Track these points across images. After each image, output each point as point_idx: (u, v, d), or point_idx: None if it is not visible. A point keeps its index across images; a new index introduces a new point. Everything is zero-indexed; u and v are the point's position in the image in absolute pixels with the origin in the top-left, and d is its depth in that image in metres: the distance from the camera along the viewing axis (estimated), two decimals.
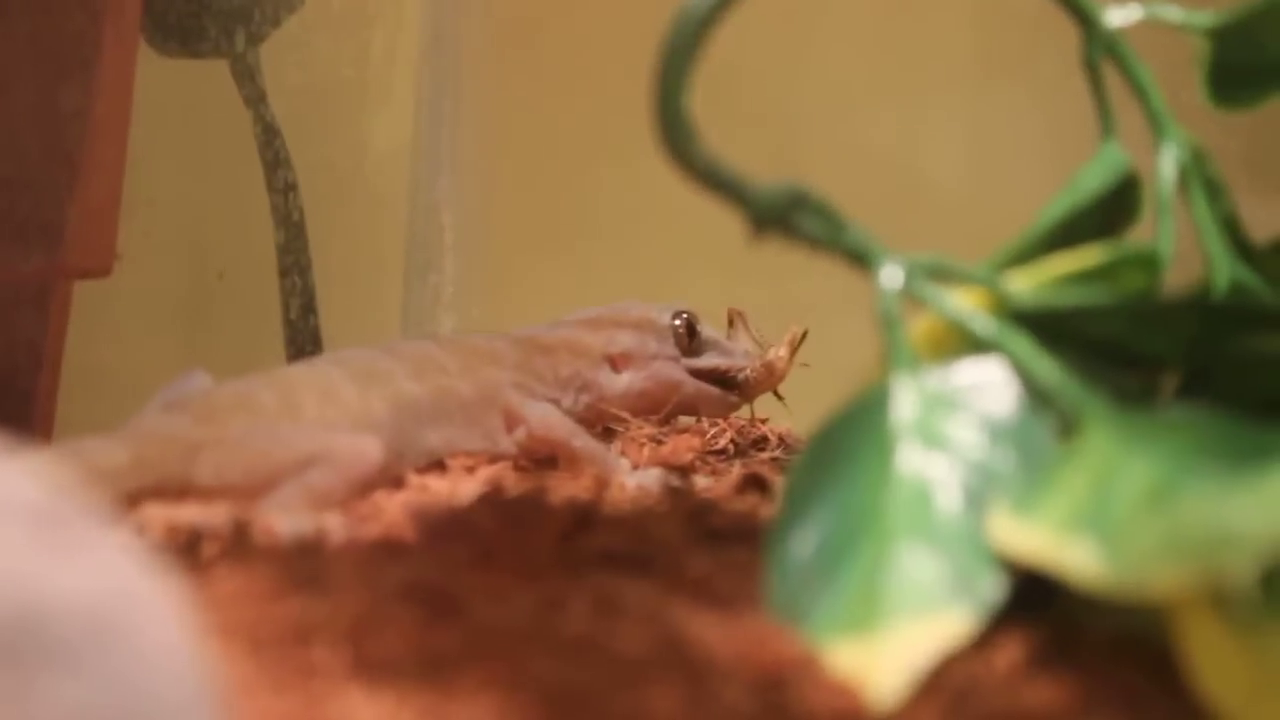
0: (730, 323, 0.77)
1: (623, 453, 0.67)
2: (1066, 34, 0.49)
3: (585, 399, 0.70)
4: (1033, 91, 0.96)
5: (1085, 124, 0.49)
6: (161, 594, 0.27)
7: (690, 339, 0.72)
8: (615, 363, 0.71)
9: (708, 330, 0.73)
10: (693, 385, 0.72)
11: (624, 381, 0.71)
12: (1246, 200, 0.50)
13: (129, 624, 0.26)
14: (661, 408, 0.72)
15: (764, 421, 0.80)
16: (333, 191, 1.00)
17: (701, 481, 0.63)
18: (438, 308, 1.03)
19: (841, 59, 1.02)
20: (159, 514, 0.51)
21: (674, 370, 0.71)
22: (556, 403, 0.68)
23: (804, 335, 0.74)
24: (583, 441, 0.65)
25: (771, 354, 0.74)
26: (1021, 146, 0.97)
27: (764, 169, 0.43)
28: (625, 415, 0.70)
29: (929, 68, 1.01)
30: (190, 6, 0.92)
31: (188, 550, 0.48)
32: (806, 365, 0.76)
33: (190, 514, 0.51)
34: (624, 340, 0.71)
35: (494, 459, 0.65)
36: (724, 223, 0.44)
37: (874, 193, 0.96)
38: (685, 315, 0.72)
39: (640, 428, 0.71)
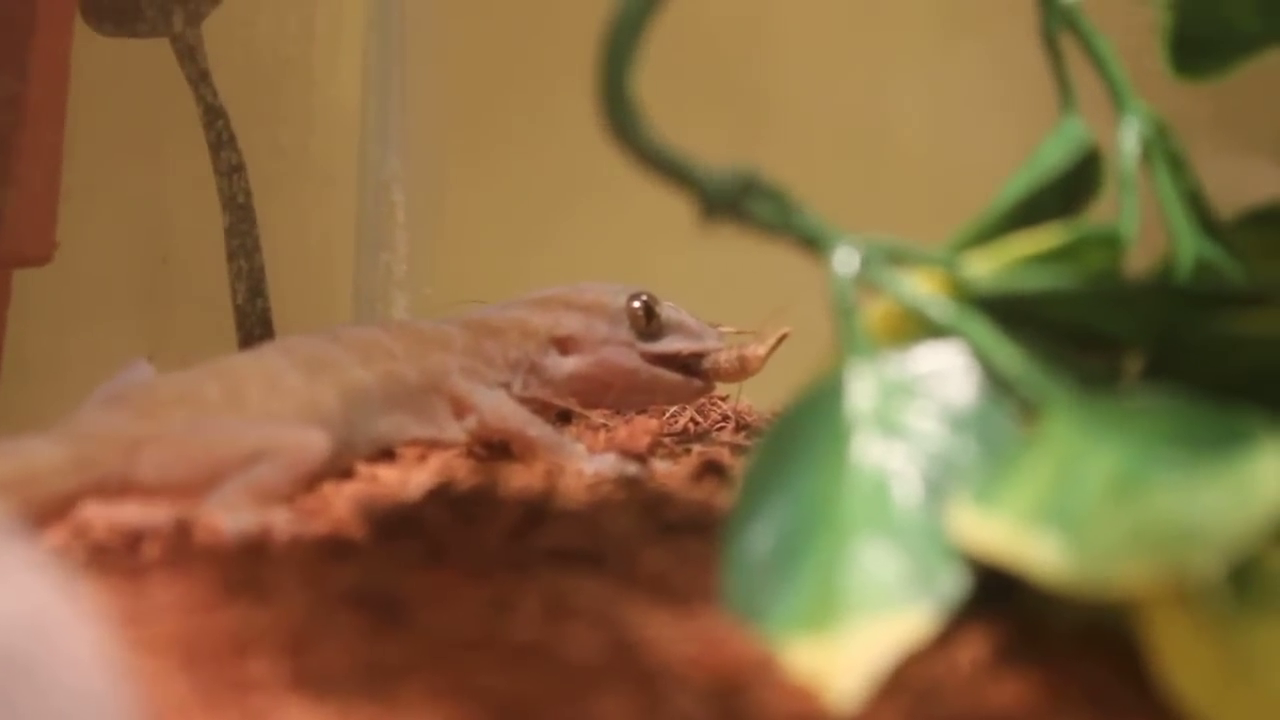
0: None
1: (578, 438, 0.66)
2: None
3: (533, 382, 0.67)
4: (996, 50, 0.95)
5: (1049, 84, 0.48)
6: (78, 621, 0.26)
7: (649, 321, 0.69)
8: (562, 346, 0.68)
9: (670, 312, 0.70)
10: (647, 372, 0.68)
11: (569, 366, 0.68)
12: (1216, 161, 0.49)
13: (42, 658, 0.24)
14: (610, 394, 0.69)
15: (723, 399, 0.79)
16: (280, 172, 0.98)
17: (659, 466, 0.61)
18: (390, 287, 1.01)
19: (804, 20, 1.01)
20: (99, 514, 0.50)
21: (624, 355, 0.68)
22: (506, 386, 0.66)
23: (785, 336, 0.71)
24: (538, 430, 0.63)
25: (750, 349, 0.70)
26: (985, 106, 0.96)
27: (726, 135, 0.42)
28: (570, 404, 0.67)
29: (892, 29, 1.00)
30: None
31: (128, 552, 0.47)
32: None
33: (131, 513, 0.50)
34: (570, 323, 0.68)
35: (446, 446, 0.64)
36: (679, 198, 0.43)
37: (838, 156, 0.95)
38: (644, 297, 0.69)
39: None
